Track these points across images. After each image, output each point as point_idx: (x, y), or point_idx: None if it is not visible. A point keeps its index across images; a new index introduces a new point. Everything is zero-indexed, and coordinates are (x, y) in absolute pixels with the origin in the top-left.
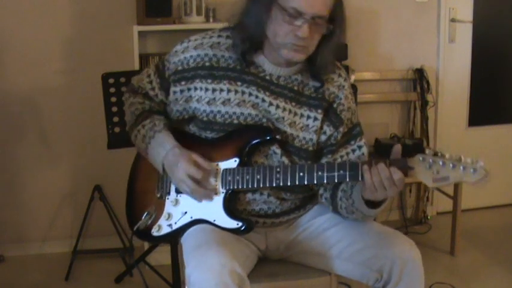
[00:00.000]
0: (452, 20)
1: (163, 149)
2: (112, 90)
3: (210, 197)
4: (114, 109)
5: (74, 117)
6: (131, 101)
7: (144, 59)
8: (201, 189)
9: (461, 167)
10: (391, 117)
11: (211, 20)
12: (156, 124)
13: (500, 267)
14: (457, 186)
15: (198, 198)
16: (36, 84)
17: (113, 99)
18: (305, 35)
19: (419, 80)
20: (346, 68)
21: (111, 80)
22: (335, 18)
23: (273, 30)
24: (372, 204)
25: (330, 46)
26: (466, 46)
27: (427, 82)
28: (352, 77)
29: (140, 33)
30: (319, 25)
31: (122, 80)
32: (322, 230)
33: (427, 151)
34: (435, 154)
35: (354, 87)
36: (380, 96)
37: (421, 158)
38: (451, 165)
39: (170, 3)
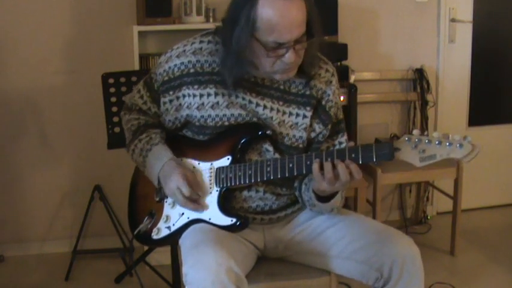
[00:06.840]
0: (452, 20)
1: (160, 161)
2: (112, 90)
3: (198, 211)
4: (114, 109)
5: (74, 117)
6: (127, 118)
7: (144, 59)
8: (190, 204)
9: (447, 143)
10: (391, 117)
11: (211, 20)
12: (153, 138)
13: (500, 267)
14: (457, 186)
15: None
16: (36, 84)
17: (113, 99)
18: (292, 60)
19: (419, 80)
20: (346, 68)
21: (111, 80)
22: (310, 22)
23: (257, 61)
24: (325, 198)
25: (312, 46)
26: (466, 46)
27: (427, 82)
28: (352, 77)
29: (140, 33)
30: (301, 42)
31: (122, 80)
32: (322, 229)
33: (414, 132)
34: (422, 134)
35: (354, 87)
36: (380, 96)
37: (406, 138)
38: (436, 142)
39: (170, 3)
